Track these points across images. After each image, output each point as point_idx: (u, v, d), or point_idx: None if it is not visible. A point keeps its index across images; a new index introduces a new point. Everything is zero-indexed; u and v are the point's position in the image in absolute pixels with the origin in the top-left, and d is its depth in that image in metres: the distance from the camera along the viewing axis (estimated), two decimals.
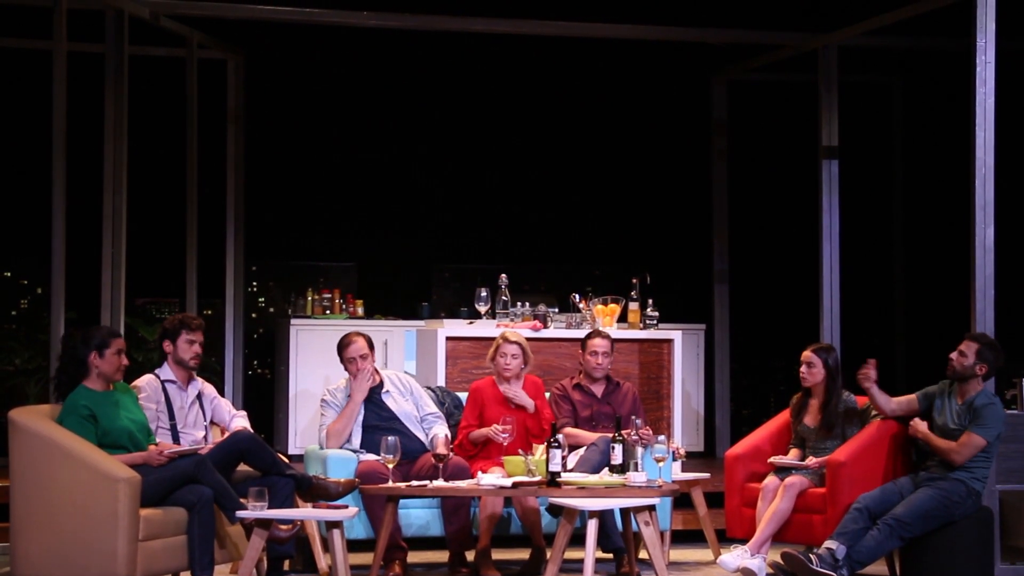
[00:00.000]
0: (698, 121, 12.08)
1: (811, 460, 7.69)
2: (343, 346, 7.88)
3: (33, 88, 10.48)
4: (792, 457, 7.86)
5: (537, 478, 7.22)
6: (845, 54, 10.66)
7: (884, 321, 11.95)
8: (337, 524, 6.86)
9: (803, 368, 7.83)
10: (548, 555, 7.45)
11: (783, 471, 7.73)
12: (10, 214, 11.18)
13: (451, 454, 7.61)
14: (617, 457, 7.29)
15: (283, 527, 6.72)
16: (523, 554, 7.76)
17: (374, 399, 7.88)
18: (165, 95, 11.23)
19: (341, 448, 7.76)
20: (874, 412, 7.74)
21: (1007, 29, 8.42)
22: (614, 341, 8.42)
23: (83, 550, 6.45)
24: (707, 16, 10.88)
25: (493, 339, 8.76)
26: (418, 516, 7.73)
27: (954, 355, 7.55)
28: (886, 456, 7.62)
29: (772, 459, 7.81)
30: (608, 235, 12.58)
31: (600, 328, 8.98)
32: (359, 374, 7.83)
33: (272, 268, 12.03)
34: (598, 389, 8.27)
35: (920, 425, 7.51)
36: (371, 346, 7.90)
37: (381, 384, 7.94)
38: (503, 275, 9.44)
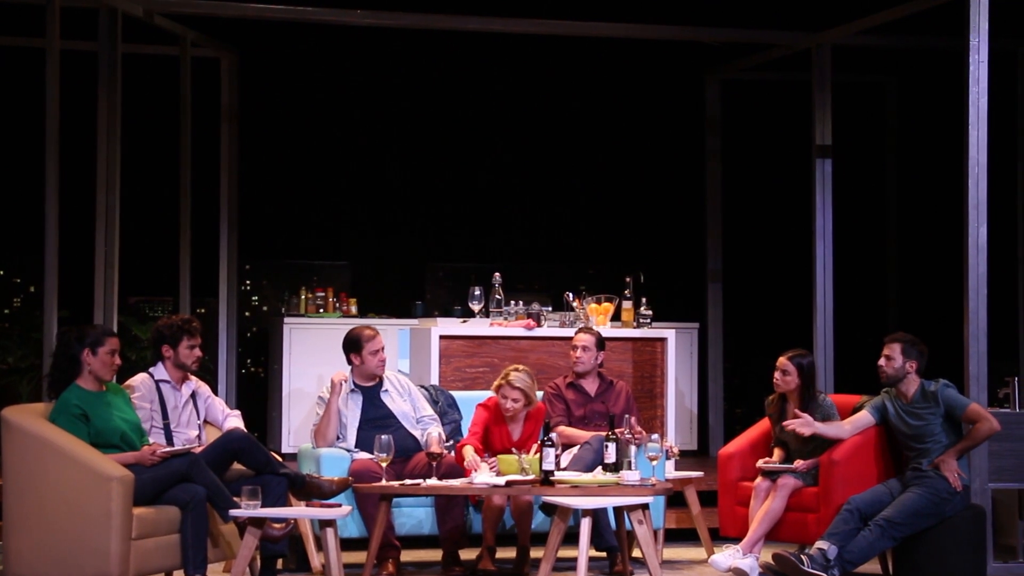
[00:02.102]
0: (692, 120, 12.09)
1: (799, 463, 7.69)
2: (365, 339, 7.86)
3: (26, 86, 10.46)
4: (777, 456, 7.86)
5: (531, 476, 7.22)
6: (839, 53, 10.66)
7: (877, 320, 11.96)
8: (330, 523, 6.86)
9: (777, 375, 7.82)
10: (532, 554, 7.47)
11: (773, 474, 7.73)
12: (3, 212, 11.17)
13: (445, 453, 7.61)
14: (610, 456, 7.30)
15: (276, 526, 6.72)
16: (513, 552, 7.76)
17: (372, 397, 7.89)
18: (159, 93, 11.22)
19: (335, 446, 7.77)
20: (855, 407, 7.75)
21: (1000, 28, 8.43)
22: (605, 339, 8.43)
23: (76, 549, 6.44)
24: (701, 15, 10.88)
25: (487, 338, 8.80)
26: (411, 515, 7.74)
27: (881, 362, 7.55)
28: (880, 455, 7.63)
29: (760, 464, 7.81)
30: (602, 234, 12.58)
31: (589, 325, 9.00)
32: (379, 367, 7.83)
33: (266, 266, 12.03)
34: (591, 387, 8.27)
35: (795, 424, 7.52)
36: None
37: (381, 382, 7.95)
38: (497, 274, 9.44)
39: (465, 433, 8.18)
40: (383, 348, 7.90)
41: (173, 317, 7.39)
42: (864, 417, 7.63)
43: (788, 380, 7.80)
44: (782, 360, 7.82)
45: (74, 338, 6.78)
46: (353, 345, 7.90)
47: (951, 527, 7.38)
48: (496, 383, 7.92)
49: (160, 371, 7.28)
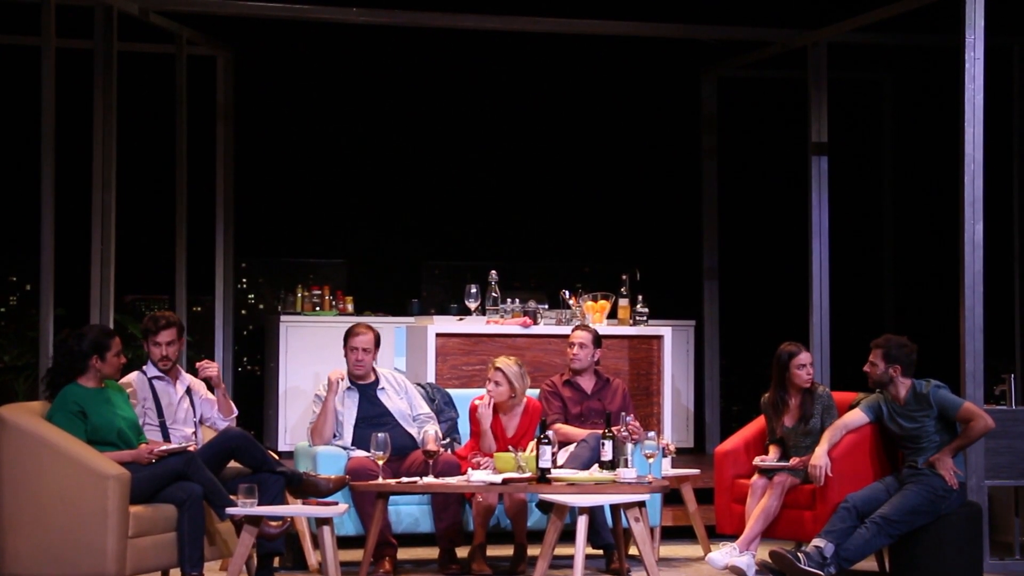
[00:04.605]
0: (688, 117, 12.09)
1: (795, 460, 7.69)
2: (350, 335, 7.89)
3: (22, 84, 10.46)
4: (772, 454, 7.87)
5: (527, 474, 7.22)
6: (834, 50, 10.67)
7: (873, 317, 11.96)
8: (327, 521, 6.86)
9: (803, 371, 7.80)
10: (530, 552, 7.47)
11: (769, 471, 7.73)
12: None
13: (441, 450, 7.61)
14: (607, 453, 7.29)
15: (273, 524, 6.71)
16: (510, 550, 7.76)
17: (368, 395, 7.89)
18: (154, 92, 11.21)
19: (331, 444, 7.77)
20: (852, 404, 7.75)
21: (995, 25, 8.43)
22: (602, 337, 8.43)
23: (72, 547, 6.44)
24: (697, 13, 10.89)
25: (483, 336, 8.79)
26: (408, 513, 7.73)
27: (867, 367, 7.55)
28: (877, 453, 7.63)
29: (756, 461, 7.81)
30: (598, 232, 12.58)
31: (586, 323, 9.00)
32: (355, 367, 7.85)
33: (262, 265, 12.03)
34: (588, 385, 8.27)
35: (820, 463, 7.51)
36: (377, 344, 7.92)
37: (377, 381, 7.95)
38: (493, 272, 9.44)
39: (463, 433, 8.18)
40: (364, 348, 7.86)
41: (150, 314, 7.45)
42: (858, 417, 7.62)
43: (811, 371, 7.82)
44: (806, 355, 7.81)
45: (74, 343, 6.78)
46: (344, 341, 7.94)
47: (948, 524, 7.38)
48: None
49: (152, 368, 7.30)
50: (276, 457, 7.13)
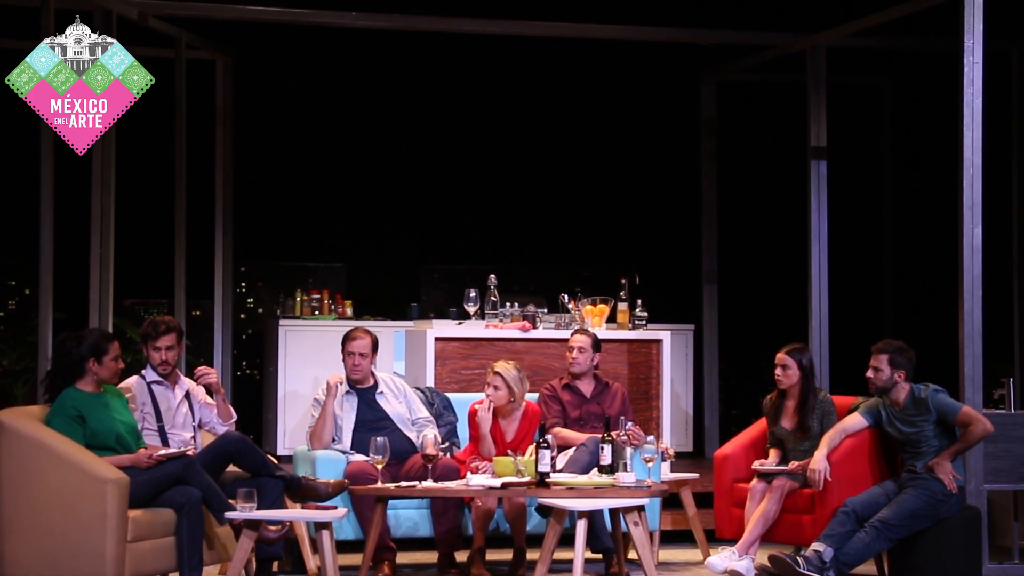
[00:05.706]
0: (687, 121, 12.09)
1: (794, 464, 7.70)
2: (347, 339, 7.90)
3: None
4: (772, 457, 7.87)
5: (526, 478, 7.22)
6: (833, 54, 10.67)
7: (872, 321, 11.96)
8: (326, 525, 6.86)
9: (778, 370, 7.83)
10: (529, 556, 7.47)
11: (768, 475, 7.73)
12: None
13: (440, 455, 7.61)
14: (606, 457, 7.30)
15: (272, 528, 6.72)
16: (509, 555, 7.76)
17: (367, 399, 7.89)
18: (153, 96, 11.14)
19: (330, 449, 7.77)
20: (851, 408, 7.75)
21: (994, 30, 8.44)
22: (601, 341, 8.43)
23: (71, 551, 6.44)
24: (696, 16, 10.89)
25: (482, 340, 8.81)
26: (407, 517, 7.73)
27: (870, 373, 7.55)
28: (876, 457, 7.64)
29: (755, 465, 7.82)
30: (597, 235, 12.58)
31: (585, 327, 9.00)
32: (352, 371, 7.86)
33: (261, 269, 12.02)
34: (587, 389, 8.27)
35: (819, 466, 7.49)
36: (375, 348, 7.91)
37: (375, 385, 7.95)
38: (492, 276, 9.44)
39: (462, 437, 8.18)
40: (361, 353, 7.86)
41: (149, 319, 7.45)
42: (857, 421, 7.62)
43: (789, 375, 7.80)
44: (781, 355, 7.83)
45: (73, 345, 6.78)
46: (342, 345, 7.94)
47: (947, 528, 7.38)
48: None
49: (151, 373, 7.30)
50: (275, 461, 7.13)
